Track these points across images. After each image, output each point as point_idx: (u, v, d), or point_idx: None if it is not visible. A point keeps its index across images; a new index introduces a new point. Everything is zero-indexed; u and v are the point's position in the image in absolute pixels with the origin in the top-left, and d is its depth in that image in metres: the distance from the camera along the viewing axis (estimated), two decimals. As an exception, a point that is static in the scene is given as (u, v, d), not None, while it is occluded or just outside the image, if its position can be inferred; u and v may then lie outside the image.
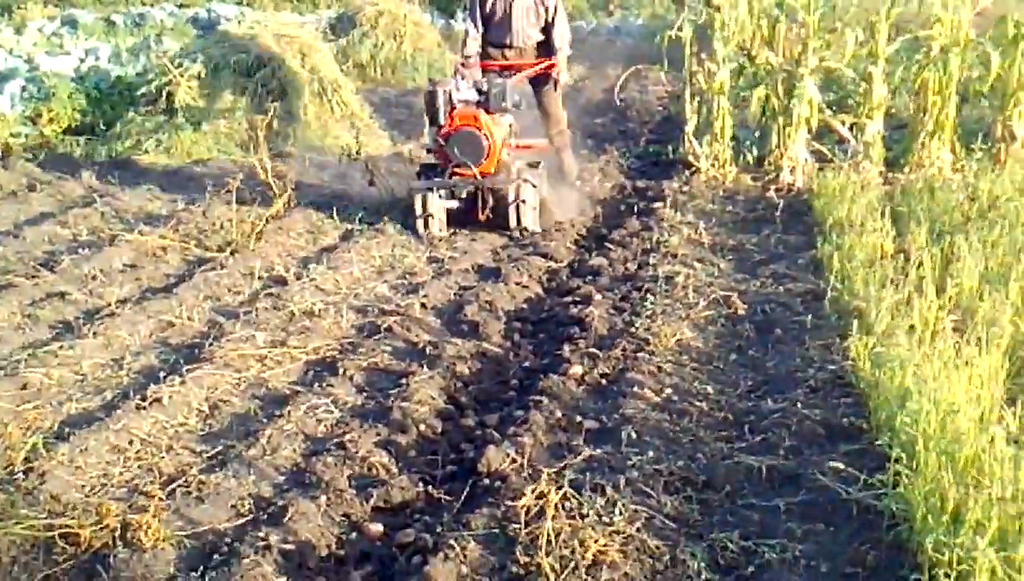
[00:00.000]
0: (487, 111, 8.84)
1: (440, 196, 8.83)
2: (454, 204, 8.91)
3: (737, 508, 4.49)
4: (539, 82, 10.07)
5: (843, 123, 10.96)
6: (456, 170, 8.75)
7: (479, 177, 8.73)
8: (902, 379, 4.89)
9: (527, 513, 4.22)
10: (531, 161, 9.29)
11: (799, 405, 5.34)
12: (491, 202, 8.91)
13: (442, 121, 8.75)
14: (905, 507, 4.14)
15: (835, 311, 6.60)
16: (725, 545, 4.17)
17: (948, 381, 4.72)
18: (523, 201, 8.83)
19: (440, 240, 8.74)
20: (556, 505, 4.18)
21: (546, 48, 10.02)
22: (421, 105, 9.66)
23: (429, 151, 9.28)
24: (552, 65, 9.95)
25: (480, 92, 8.94)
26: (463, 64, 9.87)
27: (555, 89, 10.13)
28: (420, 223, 8.81)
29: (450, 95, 8.76)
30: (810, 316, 6.59)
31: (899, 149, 10.87)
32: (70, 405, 5.42)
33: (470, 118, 8.73)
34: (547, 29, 9.96)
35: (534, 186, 8.89)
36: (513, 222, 8.91)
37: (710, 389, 5.65)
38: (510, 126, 9.33)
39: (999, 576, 3.41)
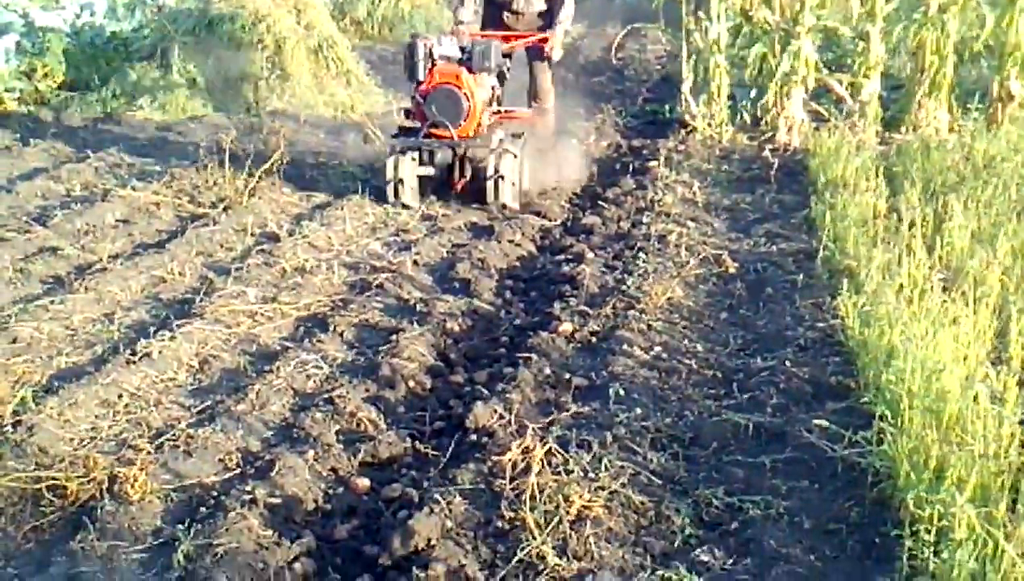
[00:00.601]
0: (469, 70, 8.28)
1: (414, 161, 8.29)
2: (430, 171, 8.36)
3: (723, 465, 4.50)
4: (533, 54, 9.49)
5: (840, 83, 10.91)
6: (432, 131, 8.19)
7: (456, 139, 8.17)
8: (889, 338, 4.90)
9: (513, 468, 4.24)
10: (514, 132, 8.73)
11: (788, 363, 5.36)
12: (468, 172, 8.44)
13: (421, 77, 8.25)
14: (889, 464, 4.16)
15: (827, 270, 6.62)
16: (710, 501, 4.19)
17: (935, 340, 4.72)
18: (502, 176, 8.24)
19: (413, 210, 8.24)
20: (541, 461, 4.19)
21: (549, 18, 9.43)
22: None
23: (407, 114, 8.67)
24: (545, 39, 9.31)
25: (463, 50, 8.40)
26: (453, 32, 9.04)
27: (548, 65, 9.55)
28: (390, 190, 8.28)
29: (431, 50, 8.27)
30: (802, 275, 6.61)
31: (896, 109, 10.84)
32: (60, 359, 5.43)
33: (451, 76, 8.16)
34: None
35: (515, 157, 8.32)
36: (491, 197, 8.31)
37: (700, 347, 5.67)
38: (493, 89, 8.79)
39: (977, 531, 3.42)
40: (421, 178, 8.37)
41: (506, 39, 9.18)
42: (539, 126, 9.50)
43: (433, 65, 8.26)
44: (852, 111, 10.54)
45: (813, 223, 7.64)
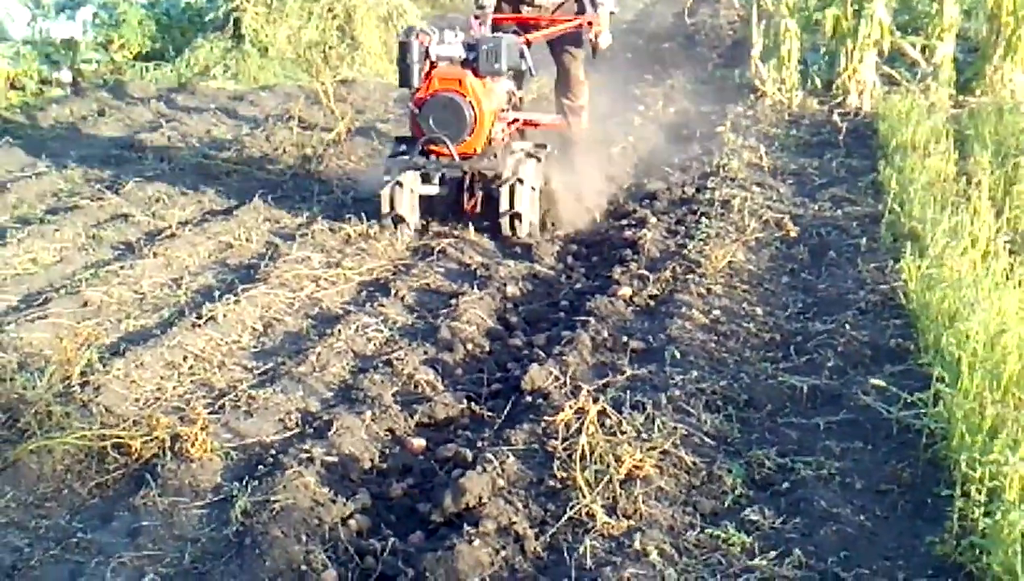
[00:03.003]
0: (476, 73, 6.83)
1: (416, 175, 6.98)
2: (434, 190, 7.04)
3: (777, 426, 4.51)
4: (563, 42, 7.91)
5: (914, 46, 10.75)
6: (431, 147, 6.88)
7: (456, 158, 6.81)
8: (952, 299, 4.85)
9: (566, 429, 4.26)
10: (537, 143, 7.36)
11: (847, 326, 5.33)
12: (479, 189, 7.15)
13: (416, 83, 6.81)
14: (944, 425, 4.13)
15: (891, 234, 6.55)
16: (762, 462, 4.19)
17: (999, 301, 4.68)
18: (520, 181, 6.88)
19: (415, 231, 7.05)
20: (595, 421, 4.20)
21: (575, 7, 7.87)
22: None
23: None
24: (589, 24, 7.73)
25: (470, 48, 6.91)
26: (475, 16, 7.46)
27: (592, 54, 7.94)
28: (385, 198, 6.95)
29: (428, 49, 6.86)
30: (865, 239, 6.56)
31: (971, 72, 10.67)
32: (128, 322, 5.54)
33: (453, 81, 6.76)
34: None
35: (537, 160, 7.08)
36: (505, 206, 6.95)
37: (759, 310, 5.66)
38: (509, 95, 7.45)
39: (1028, 491, 3.40)
40: (423, 197, 7.08)
41: (537, 26, 7.78)
42: (572, 131, 8.08)
43: (432, 68, 6.91)
44: (925, 74, 10.39)
45: (880, 187, 7.57)
